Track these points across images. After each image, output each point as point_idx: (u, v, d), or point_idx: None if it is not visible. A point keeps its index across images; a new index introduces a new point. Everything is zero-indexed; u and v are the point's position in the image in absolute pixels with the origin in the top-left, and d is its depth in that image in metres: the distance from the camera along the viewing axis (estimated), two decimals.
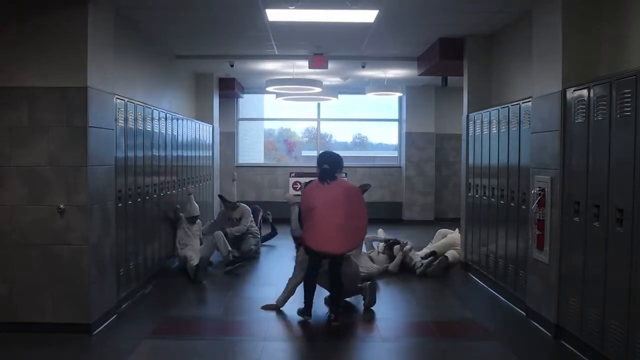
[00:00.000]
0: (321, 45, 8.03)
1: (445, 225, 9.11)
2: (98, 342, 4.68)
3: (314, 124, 13.44)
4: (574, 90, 4.51)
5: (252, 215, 8.51)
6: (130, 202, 5.76)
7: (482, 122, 6.82)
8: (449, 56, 7.51)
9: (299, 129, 16.15)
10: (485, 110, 6.78)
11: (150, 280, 6.50)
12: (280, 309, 5.53)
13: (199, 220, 7.74)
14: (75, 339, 4.64)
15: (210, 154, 10.40)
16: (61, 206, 4.69)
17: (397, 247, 7.42)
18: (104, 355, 4.52)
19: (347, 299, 5.74)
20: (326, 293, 5.59)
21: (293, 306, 5.63)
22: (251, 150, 14.30)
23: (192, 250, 7.19)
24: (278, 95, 11.01)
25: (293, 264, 5.85)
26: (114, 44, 5.30)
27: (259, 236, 8.38)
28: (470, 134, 7.34)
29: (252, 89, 12.67)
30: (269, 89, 9.76)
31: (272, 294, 5.82)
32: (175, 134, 7.60)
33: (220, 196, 8.79)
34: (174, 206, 7.48)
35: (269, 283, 6.62)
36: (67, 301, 4.74)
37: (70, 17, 4.67)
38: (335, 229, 5.07)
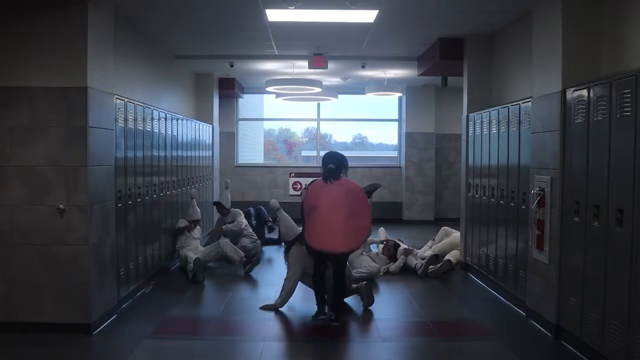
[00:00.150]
0: (321, 45, 8.03)
1: (446, 225, 9.09)
2: (98, 342, 4.68)
3: (314, 124, 13.44)
4: (574, 90, 4.52)
5: (244, 217, 8.47)
6: (130, 202, 5.75)
7: (482, 122, 6.82)
8: (449, 56, 7.51)
9: (298, 129, 16.17)
10: (485, 110, 6.78)
11: (150, 280, 6.50)
12: (280, 309, 5.53)
13: (198, 227, 7.81)
14: (75, 339, 4.64)
15: (210, 154, 10.40)
16: (61, 206, 4.69)
17: (400, 249, 7.43)
18: (104, 355, 4.52)
19: (345, 299, 5.73)
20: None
21: (293, 306, 5.64)
22: (251, 150, 14.30)
23: (193, 251, 7.21)
24: (278, 95, 11.01)
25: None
26: (114, 44, 5.30)
27: (255, 236, 8.37)
28: (470, 134, 7.34)
29: (252, 89, 12.67)
30: (269, 89, 9.76)
31: (272, 294, 5.82)
32: (175, 134, 7.60)
33: (216, 203, 8.73)
34: (176, 220, 7.55)
35: (269, 283, 6.63)
36: (67, 301, 4.74)
37: (70, 17, 4.67)
38: (337, 228, 5.04)
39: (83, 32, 4.68)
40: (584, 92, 4.33)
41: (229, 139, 12.57)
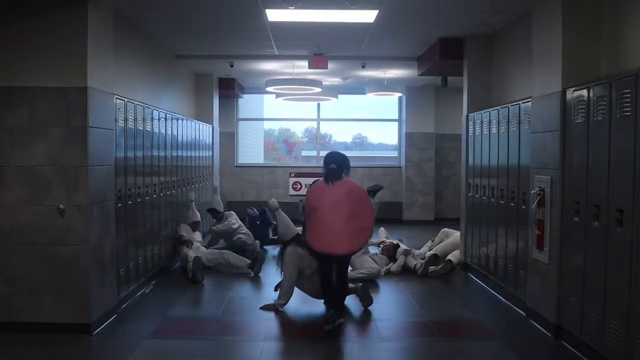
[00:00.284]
0: (321, 46, 8.03)
1: (445, 225, 9.10)
2: (98, 342, 4.68)
3: (314, 124, 13.44)
4: (574, 90, 4.52)
5: (237, 219, 8.45)
6: (130, 202, 5.76)
7: (482, 122, 6.82)
8: (449, 56, 7.51)
9: (298, 129, 16.17)
10: (485, 110, 6.79)
11: (150, 280, 6.50)
12: (280, 309, 5.54)
13: (198, 232, 7.84)
14: (75, 339, 4.64)
15: (210, 154, 10.41)
16: (61, 206, 4.69)
17: (399, 250, 7.43)
18: (104, 355, 4.52)
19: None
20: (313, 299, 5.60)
21: (292, 306, 5.64)
22: (251, 150, 14.31)
23: (193, 250, 7.24)
24: (278, 95, 11.02)
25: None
26: (114, 44, 5.30)
27: (251, 235, 8.39)
28: (470, 134, 7.34)
29: (252, 89, 12.67)
30: (269, 89, 9.76)
31: (272, 294, 5.83)
32: (175, 134, 7.60)
33: (211, 210, 8.67)
34: (176, 222, 7.58)
35: (269, 283, 6.62)
36: (67, 301, 4.74)
37: (70, 17, 4.67)
38: (339, 229, 4.98)
39: (83, 32, 4.68)
40: (584, 92, 4.33)
41: (229, 139, 12.57)
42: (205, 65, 9.82)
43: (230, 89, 11.29)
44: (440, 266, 7.24)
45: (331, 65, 8.86)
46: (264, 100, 14.25)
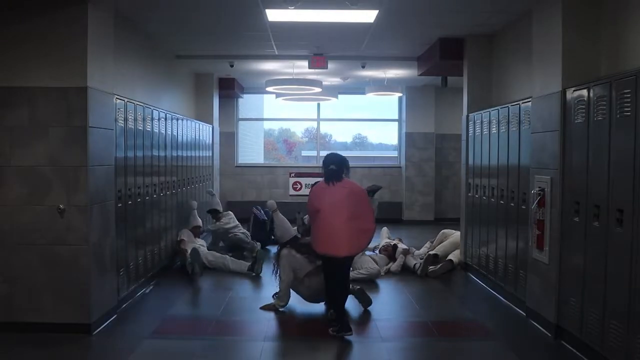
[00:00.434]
0: (321, 45, 8.03)
1: (445, 225, 9.11)
2: (98, 342, 4.68)
3: (314, 124, 13.44)
4: (574, 90, 4.52)
5: (233, 219, 8.58)
6: (130, 202, 5.75)
7: (482, 122, 6.82)
8: (449, 56, 7.51)
9: (298, 129, 16.17)
10: (485, 111, 6.78)
11: (150, 280, 6.50)
12: (280, 309, 5.54)
13: (200, 239, 7.93)
14: (75, 339, 4.64)
15: (210, 154, 10.41)
16: (61, 206, 4.69)
17: (398, 250, 7.43)
18: (104, 355, 4.52)
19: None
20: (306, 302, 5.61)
21: (292, 306, 5.63)
22: (251, 150, 14.30)
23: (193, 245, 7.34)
24: (278, 95, 11.02)
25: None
26: (114, 44, 5.30)
27: (249, 235, 8.45)
28: (470, 134, 7.34)
29: (252, 89, 12.67)
30: (269, 89, 9.76)
31: (271, 294, 5.81)
32: (175, 134, 7.60)
33: (211, 211, 8.76)
34: (176, 223, 7.63)
35: (269, 283, 6.61)
36: (67, 301, 4.74)
37: (70, 18, 4.67)
38: (340, 231, 4.91)
39: (83, 32, 4.68)
40: (584, 92, 4.33)
41: (229, 139, 12.57)
42: (205, 65, 9.82)
43: (230, 89, 11.29)
44: (439, 265, 7.24)
45: (331, 65, 8.86)
46: (264, 100, 14.25)
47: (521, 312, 5.49)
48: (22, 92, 4.69)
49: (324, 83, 10.50)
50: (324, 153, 11.83)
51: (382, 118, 13.66)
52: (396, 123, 13.09)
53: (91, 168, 4.75)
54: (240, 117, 13.16)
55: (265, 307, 5.57)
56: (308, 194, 5.48)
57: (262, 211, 9.18)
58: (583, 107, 4.35)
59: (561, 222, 4.68)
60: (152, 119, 6.48)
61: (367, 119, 14.45)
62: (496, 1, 5.76)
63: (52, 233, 4.72)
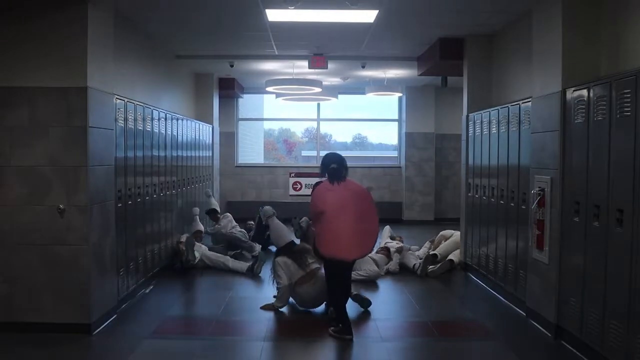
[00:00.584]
0: (321, 45, 8.03)
1: (445, 225, 9.11)
2: (98, 342, 4.68)
3: (314, 124, 13.44)
4: (574, 90, 4.52)
5: (230, 220, 8.70)
6: (130, 202, 5.76)
7: (482, 122, 6.82)
8: (449, 56, 7.51)
9: (298, 129, 16.17)
10: (485, 110, 6.79)
11: (150, 280, 6.50)
12: (280, 309, 5.54)
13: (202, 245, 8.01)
14: (75, 339, 4.64)
15: (210, 154, 10.41)
16: (61, 206, 4.69)
17: (392, 249, 7.43)
18: (104, 355, 4.52)
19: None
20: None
21: (292, 306, 5.63)
22: (251, 150, 14.31)
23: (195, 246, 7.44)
24: (278, 95, 11.02)
25: None
26: (114, 44, 5.30)
27: (246, 235, 8.52)
28: (470, 134, 7.34)
29: (252, 89, 12.67)
30: (269, 89, 9.76)
31: (271, 294, 5.81)
32: (175, 134, 7.60)
33: (209, 211, 8.86)
34: (175, 224, 7.67)
35: (270, 283, 6.61)
36: (67, 301, 4.74)
37: (70, 18, 4.67)
38: (346, 234, 4.79)
39: (83, 32, 4.68)
40: (584, 92, 4.33)
41: (229, 139, 12.57)
42: (205, 65, 9.82)
43: (230, 89, 11.29)
44: (439, 265, 7.24)
45: (331, 65, 8.86)
46: (264, 100, 14.25)
47: (521, 312, 5.49)
48: (22, 92, 4.69)
49: (324, 83, 10.50)
50: (324, 153, 11.82)
51: (382, 118, 13.66)
52: (396, 123, 13.09)
53: (91, 168, 4.75)
54: (240, 117, 13.16)
55: (266, 307, 5.57)
56: (310, 194, 5.46)
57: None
58: (583, 107, 4.35)
59: (561, 222, 4.68)
60: (152, 119, 6.48)
61: (367, 119, 14.46)
62: (496, 1, 5.76)
63: (52, 233, 4.72)
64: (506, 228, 5.98)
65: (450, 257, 7.48)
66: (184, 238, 7.57)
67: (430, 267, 7.21)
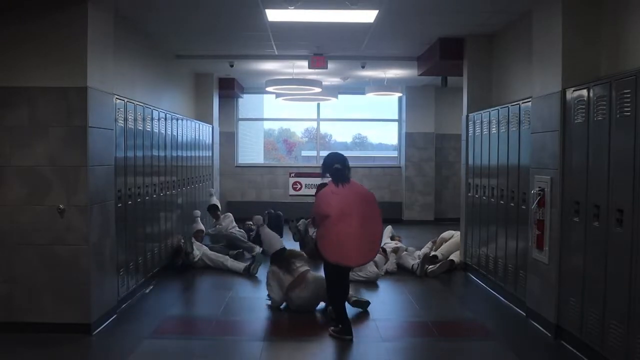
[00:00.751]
0: (321, 45, 8.03)
1: (445, 225, 9.11)
2: (98, 342, 4.68)
3: (314, 124, 13.44)
4: (574, 90, 4.52)
5: (231, 221, 8.83)
6: (130, 202, 5.75)
7: (482, 122, 6.82)
8: (449, 56, 7.51)
9: (298, 129, 16.17)
10: (485, 111, 6.79)
11: (150, 280, 6.50)
12: (280, 308, 5.56)
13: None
14: (75, 339, 4.64)
15: (210, 154, 10.41)
16: (61, 206, 4.69)
17: (388, 249, 7.43)
18: (104, 355, 4.52)
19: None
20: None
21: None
22: (251, 150, 14.30)
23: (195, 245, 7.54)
24: (278, 95, 11.02)
25: None
26: (114, 44, 5.30)
27: (245, 236, 8.57)
28: (470, 134, 7.34)
29: (252, 89, 12.68)
30: (269, 89, 9.76)
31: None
32: (175, 134, 7.60)
33: (210, 208, 8.97)
34: (175, 226, 7.70)
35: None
36: (67, 301, 4.74)
37: (70, 18, 4.67)
38: (352, 239, 4.68)
39: (83, 32, 4.68)
40: (584, 92, 4.33)
41: (229, 139, 12.57)
42: (205, 65, 9.82)
43: (230, 89, 11.29)
44: (438, 265, 7.23)
45: (331, 65, 8.86)
46: (264, 100, 14.25)
47: (521, 312, 5.49)
48: (22, 92, 4.69)
49: (324, 83, 10.50)
50: (324, 153, 11.80)
51: (382, 118, 13.66)
52: (396, 123, 13.09)
53: (91, 168, 4.75)
54: (240, 117, 13.16)
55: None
56: (314, 194, 5.43)
57: (273, 212, 9.38)
58: (583, 107, 4.35)
59: (561, 222, 4.68)
60: (152, 119, 6.48)
61: (367, 119, 14.45)
62: (496, 1, 5.76)
63: (52, 233, 4.71)
64: (506, 228, 5.98)
65: (451, 257, 7.48)
66: (183, 243, 7.57)
67: (430, 267, 7.21)
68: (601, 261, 4.00)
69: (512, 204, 5.81)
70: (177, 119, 7.77)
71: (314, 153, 13.44)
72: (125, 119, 5.59)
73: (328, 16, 6.27)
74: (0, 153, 4.70)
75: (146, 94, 7.14)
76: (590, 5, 4.70)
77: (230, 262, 7.39)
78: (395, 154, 13.23)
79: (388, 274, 7.17)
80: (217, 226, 8.67)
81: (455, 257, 7.51)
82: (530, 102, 5.36)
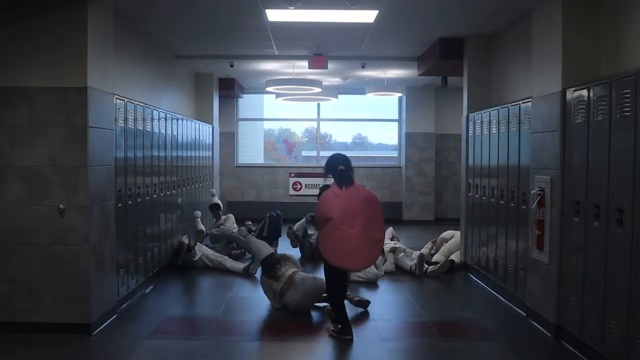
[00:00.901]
0: (321, 45, 8.03)
1: (446, 225, 9.11)
2: (98, 342, 4.68)
3: (314, 124, 13.43)
4: (574, 90, 4.52)
5: (232, 222, 8.95)
6: (130, 202, 5.75)
7: (482, 122, 6.82)
8: (449, 56, 7.51)
9: (298, 129, 16.17)
10: (485, 111, 6.79)
11: (151, 280, 6.50)
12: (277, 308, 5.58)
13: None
14: (75, 339, 4.64)
15: (210, 154, 10.41)
16: (61, 206, 4.69)
17: (386, 249, 7.43)
18: (104, 355, 4.52)
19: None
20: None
21: None
22: (251, 151, 14.31)
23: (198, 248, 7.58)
24: (278, 95, 11.02)
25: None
26: (114, 44, 5.30)
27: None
28: (470, 134, 7.34)
29: (252, 89, 12.68)
30: (269, 89, 9.77)
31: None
32: (175, 134, 7.60)
33: (212, 207, 9.05)
34: (175, 224, 7.70)
35: None
36: (67, 301, 4.74)
37: (70, 18, 4.67)
38: (355, 244, 4.64)
39: (83, 32, 4.68)
40: (584, 92, 4.33)
41: (229, 139, 12.57)
42: (205, 65, 9.82)
43: (230, 89, 11.29)
44: (438, 265, 7.23)
45: (331, 65, 8.86)
46: (264, 100, 14.25)
47: (521, 312, 5.49)
48: (22, 92, 4.69)
49: (324, 83, 10.50)
50: (324, 153, 11.83)
51: (382, 118, 13.66)
52: (396, 123, 13.09)
53: (91, 168, 4.75)
54: (240, 117, 13.16)
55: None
56: (316, 195, 5.41)
57: (276, 214, 9.35)
58: (583, 107, 4.35)
59: (561, 222, 4.68)
60: (152, 119, 6.48)
61: (367, 119, 14.45)
62: (496, 1, 5.76)
63: (52, 233, 4.71)
64: (506, 228, 5.98)
65: (451, 257, 7.48)
66: (185, 239, 7.61)
67: (430, 267, 7.21)
68: (601, 261, 4.00)
69: (512, 204, 5.81)
70: (177, 119, 7.77)
71: (314, 153, 13.44)
72: (126, 119, 5.59)
73: (328, 16, 6.27)
74: (0, 153, 4.70)
75: (146, 94, 7.14)
76: (590, 5, 4.70)
77: (229, 263, 7.40)
78: (395, 154, 13.23)
79: (387, 274, 7.17)
80: (221, 226, 8.72)
81: (455, 257, 7.51)
82: (530, 102, 5.36)
